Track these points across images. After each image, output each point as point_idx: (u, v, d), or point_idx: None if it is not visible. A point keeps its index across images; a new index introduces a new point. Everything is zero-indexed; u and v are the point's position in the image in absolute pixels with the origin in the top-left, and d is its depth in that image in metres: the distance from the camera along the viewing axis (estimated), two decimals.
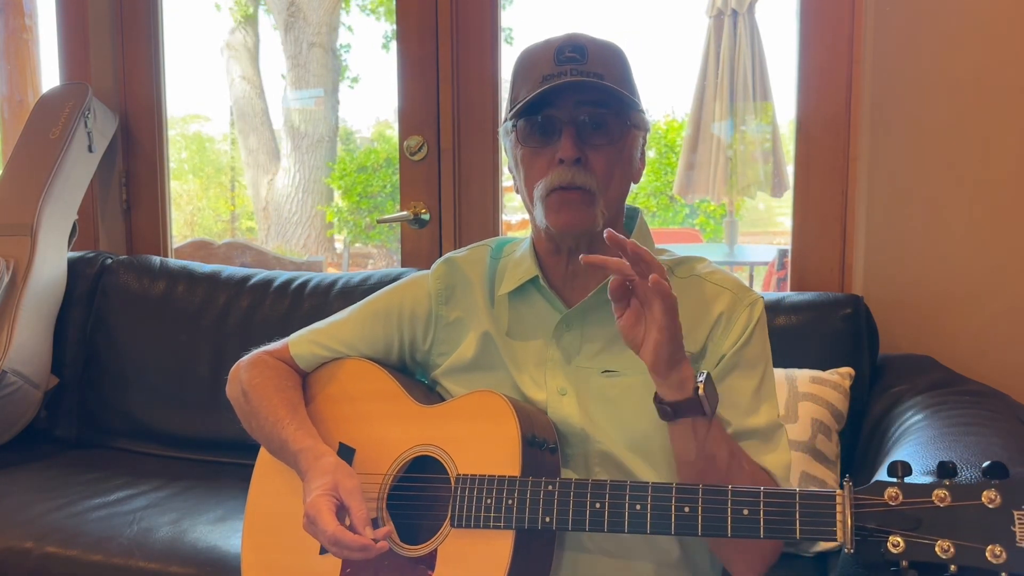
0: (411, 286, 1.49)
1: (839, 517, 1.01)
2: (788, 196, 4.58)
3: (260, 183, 7.17)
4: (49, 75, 4.10)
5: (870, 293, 2.10)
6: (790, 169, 4.00)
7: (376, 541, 1.20)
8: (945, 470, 0.98)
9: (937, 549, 0.95)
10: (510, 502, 1.21)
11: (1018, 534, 0.92)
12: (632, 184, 1.36)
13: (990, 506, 0.94)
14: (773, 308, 2.01)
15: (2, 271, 2.37)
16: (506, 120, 1.35)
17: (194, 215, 7.47)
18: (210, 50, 6.99)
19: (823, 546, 1.79)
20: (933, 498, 0.96)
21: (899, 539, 0.97)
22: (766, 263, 5.28)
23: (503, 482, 1.23)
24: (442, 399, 1.43)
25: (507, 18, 2.50)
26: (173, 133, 6.72)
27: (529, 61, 1.31)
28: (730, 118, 4.70)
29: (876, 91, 2.08)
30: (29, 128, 2.63)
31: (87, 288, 2.54)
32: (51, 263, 2.48)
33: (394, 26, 2.53)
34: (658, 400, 1.17)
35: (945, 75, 2.05)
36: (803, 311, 2.01)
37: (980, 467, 0.98)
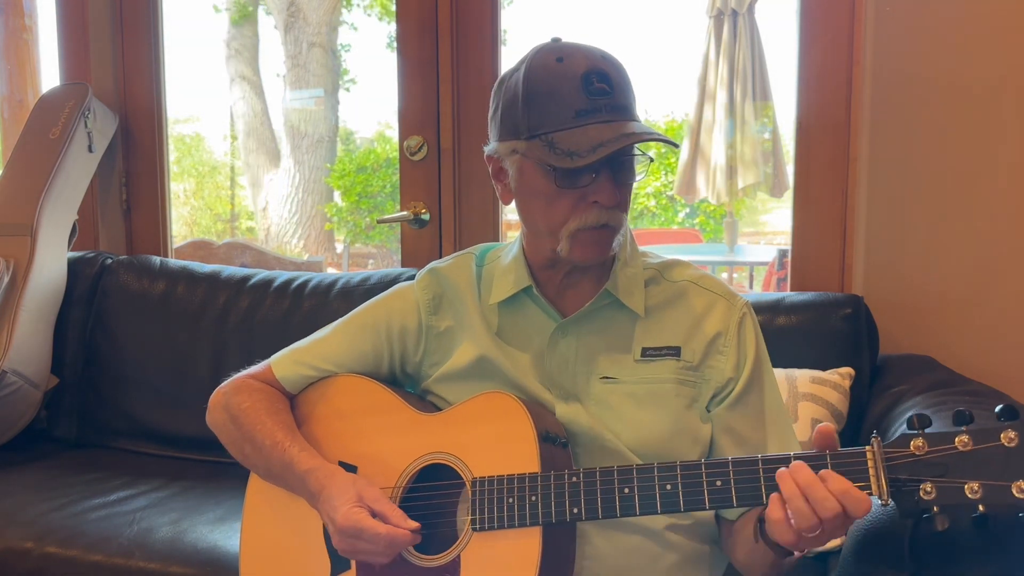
0: (396, 298, 1.47)
1: (872, 472, 1.05)
2: (787, 196, 4.58)
3: (260, 183, 7.17)
4: (49, 75, 4.10)
5: (870, 293, 2.10)
6: (790, 169, 4.00)
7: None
8: (962, 417, 1.02)
9: (966, 491, 1.00)
10: (533, 498, 1.21)
11: None
12: None
13: (1010, 445, 0.99)
14: (773, 308, 2.01)
15: (2, 271, 2.37)
16: (512, 139, 1.28)
17: (193, 215, 7.47)
18: (210, 50, 6.99)
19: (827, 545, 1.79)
20: (956, 444, 1.01)
21: (930, 486, 1.02)
22: (766, 263, 5.28)
23: (524, 479, 1.22)
24: (439, 408, 1.41)
25: (506, 18, 2.50)
26: (173, 133, 6.72)
27: (548, 83, 1.24)
28: (730, 118, 4.70)
29: (876, 91, 2.08)
30: (29, 128, 2.63)
31: (87, 288, 2.53)
32: (51, 263, 2.48)
33: (394, 26, 2.53)
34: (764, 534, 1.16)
35: (945, 75, 2.04)
36: (803, 311, 2.01)
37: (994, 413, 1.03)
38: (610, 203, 1.24)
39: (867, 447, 1.06)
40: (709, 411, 1.35)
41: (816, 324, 1.99)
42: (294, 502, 1.39)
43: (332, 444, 1.40)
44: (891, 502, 1.04)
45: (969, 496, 0.99)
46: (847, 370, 1.93)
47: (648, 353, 1.34)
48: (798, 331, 1.99)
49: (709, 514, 1.35)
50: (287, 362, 1.47)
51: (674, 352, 1.34)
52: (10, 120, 4.21)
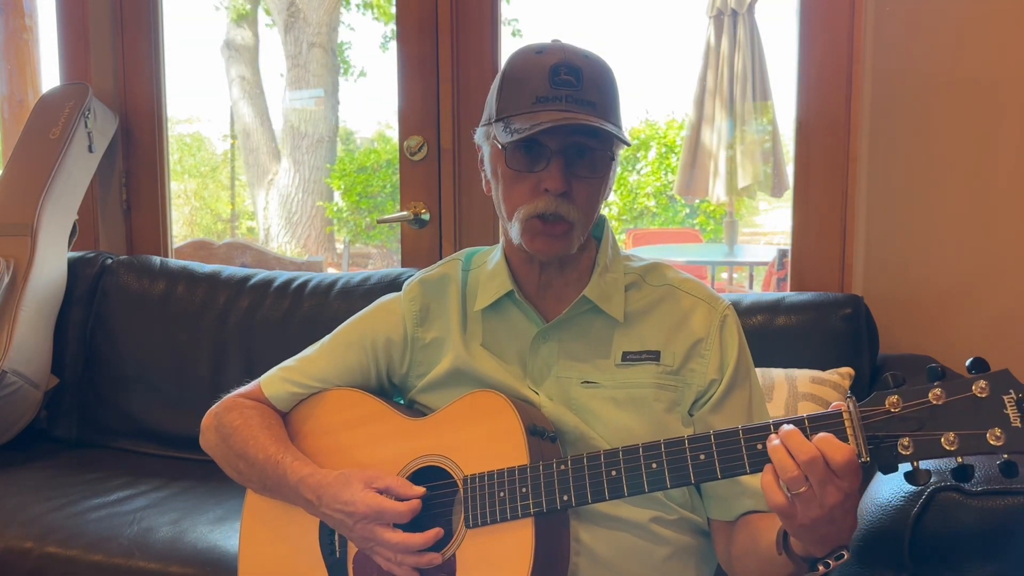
0: (382, 311, 1.48)
1: (849, 431, 1.05)
2: (787, 196, 4.58)
3: (260, 183, 7.17)
4: (49, 75, 4.10)
5: (870, 293, 2.10)
6: (790, 169, 4.01)
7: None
8: (935, 374, 1.04)
9: (943, 442, 1.01)
10: (524, 490, 1.22)
11: (1011, 416, 0.99)
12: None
13: (981, 396, 1.00)
14: (773, 308, 2.01)
15: (2, 271, 2.37)
16: (487, 124, 1.33)
17: (194, 215, 7.47)
18: (210, 50, 7.00)
19: None
20: (930, 398, 1.03)
21: (907, 440, 1.03)
22: (766, 263, 5.29)
23: (513, 472, 1.23)
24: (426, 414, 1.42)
25: (508, 15, 2.49)
26: (173, 133, 6.72)
27: (521, 72, 1.29)
28: (730, 118, 4.70)
29: (876, 91, 2.09)
30: (29, 128, 2.63)
31: (87, 288, 2.53)
32: (51, 263, 2.48)
33: (394, 26, 2.53)
34: (786, 546, 1.15)
35: (945, 75, 2.05)
36: (803, 311, 2.01)
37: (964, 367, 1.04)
38: (556, 188, 1.25)
39: (843, 408, 1.07)
40: (692, 415, 1.36)
41: (816, 324, 1.99)
42: (287, 515, 1.39)
43: (324, 458, 1.40)
44: (870, 459, 1.05)
45: (946, 447, 1.01)
46: (847, 370, 1.93)
47: (628, 358, 1.35)
48: (798, 331, 1.99)
49: (696, 508, 1.36)
50: (275, 380, 1.48)
51: (654, 356, 1.35)
52: (10, 120, 4.21)
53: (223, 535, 1.87)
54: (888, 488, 1.31)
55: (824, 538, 1.07)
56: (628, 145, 1.32)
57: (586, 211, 1.30)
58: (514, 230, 1.31)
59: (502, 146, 1.27)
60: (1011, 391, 0.99)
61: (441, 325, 1.43)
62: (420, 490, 1.27)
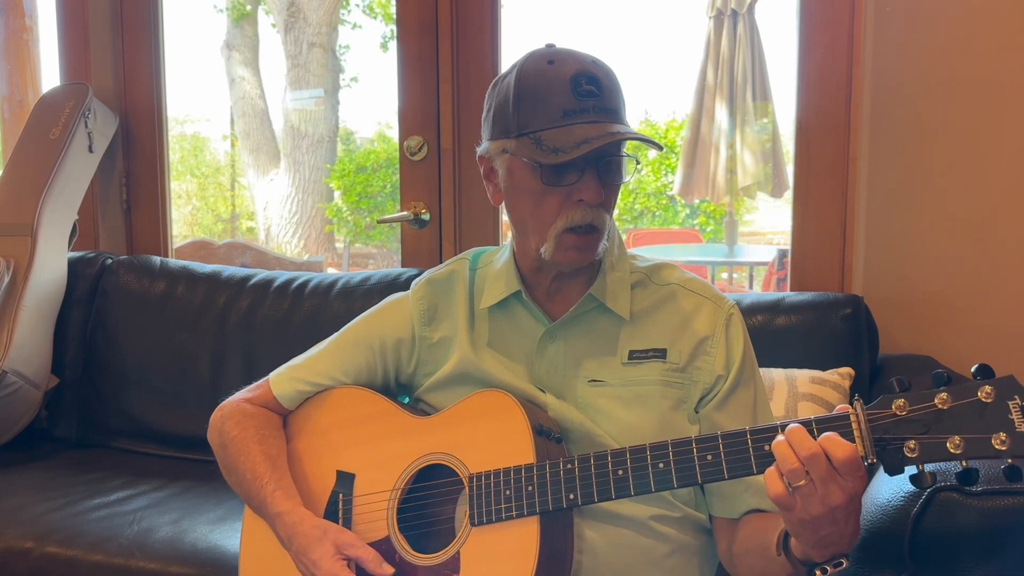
0: (390, 310, 1.49)
1: (856, 433, 1.06)
2: (787, 196, 4.58)
3: (260, 183, 7.17)
4: (49, 75, 4.10)
5: (870, 293, 2.10)
6: (790, 169, 4.01)
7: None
8: (940, 379, 1.05)
9: (949, 445, 1.02)
10: (530, 488, 1.22)
11: (1016, 421, 1.00)
12: None
13: (987, 401, 1.01)
14: (773, 308, 2.02)
15: (2, 271, 2.37)
16: (502, 138, 1.30)
17: (194, 215, 7.47)
18: (210, 50, 7.00)
19: None
20: (936, 402, 1.03)
21: (913, 443, 1.04)
22: (766, 263, 5.29)
23: (519, 471, 1.23)
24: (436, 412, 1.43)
25: (505, 17, 2.50)
26: (173, 133, 6.72)
27: (538, 84, 1.27)
28: (730, 118, 4.70)
29: (876, 91, 2.09)
30: (29, 128, 2.63)
31: (87, 288, 2.53)
32: (51, 263, 2.48)
33: (394, 27, 2.53)
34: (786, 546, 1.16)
35: (945, 75, 2.05)
36: (803, 311, 2.01)
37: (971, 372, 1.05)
38: (595, 200, 1.26)
39: (849, 411, 1.07)
40: (697, 412, 1.36)
41: (816, 324, 1.99)
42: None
43: (329, 454, 1.41)
44: (876, 460, 1.05)
45: (951, 451, 1.01)
46: (847, 370, 1.93)
47: (635, 356, 1.36)
48: (798, 331, 1.99)
49: (700, 506, 1.36)
50: (284, 379, 1.49)
51: (660, 354, 1.35)
52: (10, 120, 4.22)
53: (223, 535, 1.87)
54: (888, 488, 1.31)
55: (825, 540, 1.07)
56: (661, 149, 1.33)
57: (610, 214, 1.32)
58: (547, 246, 1.29)
59: (539, 164, 1.25)
60: (1016, 396, 1.00)
61: (449, 325, 1.44)
62: (389, 570, 1.26)
